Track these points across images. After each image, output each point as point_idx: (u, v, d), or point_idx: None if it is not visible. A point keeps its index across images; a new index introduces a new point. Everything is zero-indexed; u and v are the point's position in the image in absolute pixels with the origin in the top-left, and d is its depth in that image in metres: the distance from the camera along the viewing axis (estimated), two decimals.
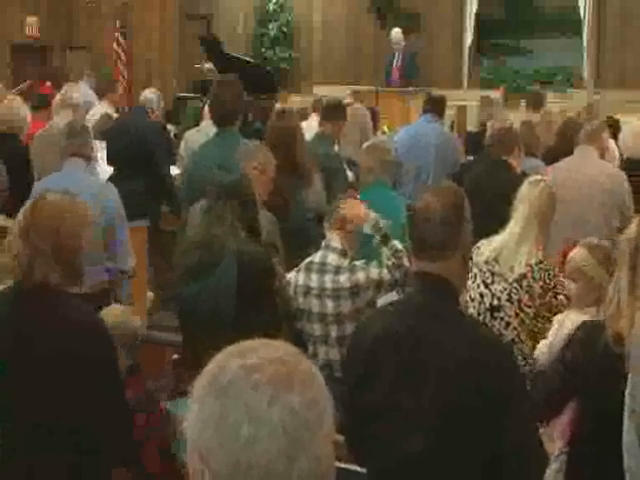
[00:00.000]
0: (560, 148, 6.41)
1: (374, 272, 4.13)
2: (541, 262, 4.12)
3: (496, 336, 3.28)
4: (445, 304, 2.52)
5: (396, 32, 12.66)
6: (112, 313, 3.75)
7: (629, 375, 2.83)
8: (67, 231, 2.95)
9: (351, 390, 2.56)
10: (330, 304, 4.13)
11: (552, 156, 6.34)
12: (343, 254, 4.17)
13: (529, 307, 4.10)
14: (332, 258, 4.15)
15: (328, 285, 4.13)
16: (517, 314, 4.11)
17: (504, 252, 4.16)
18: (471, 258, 3.92)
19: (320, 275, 4.15)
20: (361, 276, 4.11)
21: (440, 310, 2.51)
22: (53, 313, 2.92)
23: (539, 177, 4.57)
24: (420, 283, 2.55)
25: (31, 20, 15.10)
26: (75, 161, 5.06)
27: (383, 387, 2.45)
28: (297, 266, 4.30)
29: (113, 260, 4.91)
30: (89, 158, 5.16)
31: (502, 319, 4.13)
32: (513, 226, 4.20)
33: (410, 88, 12.13)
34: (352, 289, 4.10)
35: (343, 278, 4.11)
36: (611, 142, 6.73)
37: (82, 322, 2.92)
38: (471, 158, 7.22)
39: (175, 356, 4.19)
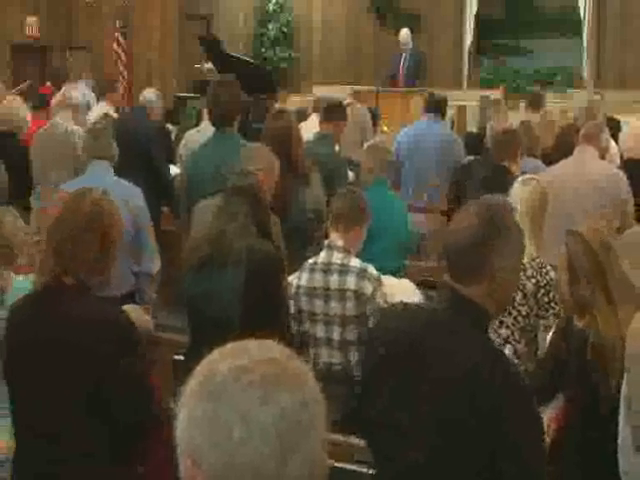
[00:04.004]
0: (560, 150, 6.40)
1: (382, 294, 4.07)
2: (534, 259, 4.12)
3: (501, 351, 3.25)
4: (467, 325, 2.31)
5: (405, 33, 12.61)
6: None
7: (625, 374, 2.86)
8: (106, 232, 2.88)
9: (360, 399, 2.57)
10: (335, 305, 4.11)
11: (551, 158, 6.33)
12: (347, 253, 4.15)
13: (522, 305, 4.10)
14: (337, 257, 4.13)
15: (333, 285, 4.10)
16: (510, 312, 4.11)
17: None
18: None
19: (325, 275, 4.12)
20: (368, 286, 4.07)
21: (460, 329, 2.32)
22: (78, 312, 2.82)
23: (530, 176, 4.58)
24: (445, 299, 2.37)
25: (31, 20, 15.10)
26: (100, 163, 4.99)
27: (384, 402, 2.43)
28: (297, 266, 4.29)
29: (139, 263, 4.90)
30: (113, 159, 5.11)
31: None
32: None
33: (411, 88, 12.12)
34: (357, 292, 4.06)
35: (350, 279, 4.08)
36: (612, 143, 6.72)
37: (106, 320, 2.82)
38: (471, 158, 7.19)
39: (176, 356, 4.17)
